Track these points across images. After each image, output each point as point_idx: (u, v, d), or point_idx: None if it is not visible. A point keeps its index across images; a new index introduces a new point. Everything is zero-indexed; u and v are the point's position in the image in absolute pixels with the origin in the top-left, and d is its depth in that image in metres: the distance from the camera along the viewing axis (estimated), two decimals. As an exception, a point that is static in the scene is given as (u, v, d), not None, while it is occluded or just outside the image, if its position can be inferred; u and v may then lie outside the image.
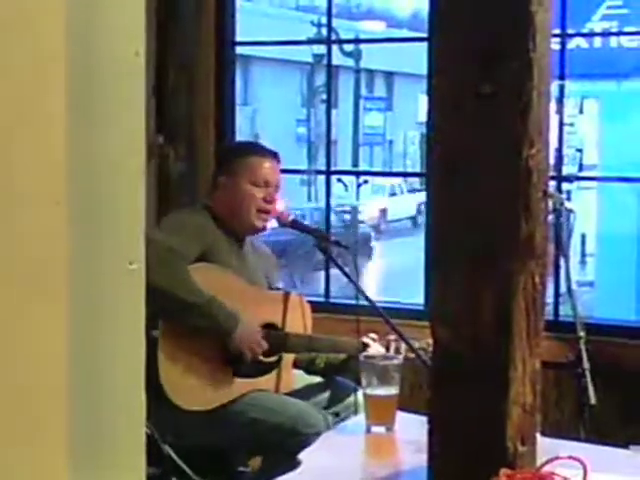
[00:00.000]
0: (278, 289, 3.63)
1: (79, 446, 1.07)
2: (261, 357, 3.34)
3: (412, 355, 3.26)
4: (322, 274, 4.59)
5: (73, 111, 1.00)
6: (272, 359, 3.38)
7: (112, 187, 1.08)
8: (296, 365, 3.51)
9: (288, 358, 3.45)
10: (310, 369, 3.56)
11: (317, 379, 3.57)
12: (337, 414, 3.35)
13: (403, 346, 3.35)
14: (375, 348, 3.41)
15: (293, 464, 2.33)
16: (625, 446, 2.86)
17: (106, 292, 1.09)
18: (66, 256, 1.02)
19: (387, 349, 3.40)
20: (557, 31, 4.18)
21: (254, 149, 3.62)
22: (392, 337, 3.40)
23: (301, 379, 3.54)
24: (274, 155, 3.54)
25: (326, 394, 3.51)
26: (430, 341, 3.36)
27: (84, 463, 1.08)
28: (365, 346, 3.39)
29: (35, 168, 1.00)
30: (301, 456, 2.37)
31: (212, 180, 3.55)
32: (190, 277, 3.15)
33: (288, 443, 3.06)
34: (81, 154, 1.03)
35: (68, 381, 1.04)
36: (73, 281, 1.03)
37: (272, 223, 3.59)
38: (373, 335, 3.45)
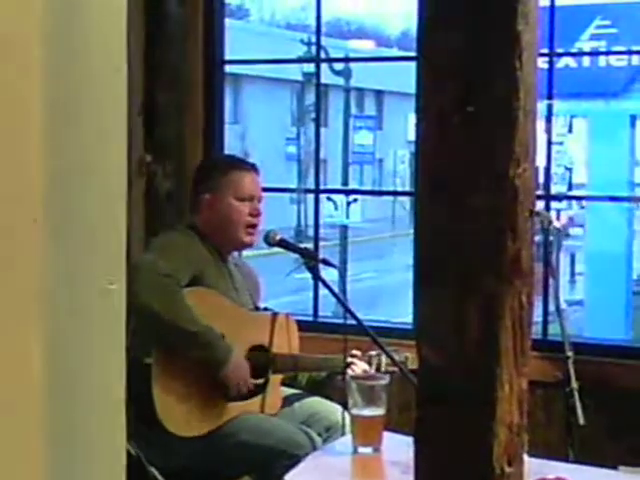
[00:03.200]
0: (266, 309, 3.63)
1: (58, 463, 1.05)
2: (250, 380, 3.33)
3: (392, 369, 3.27)
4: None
5: (51, 126, 0.99)
6: (261, 381, 3.37)
7: (92, 205, 1.07)
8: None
9: (275, 379, 3.44)
10: (293, 386, 3.57)
11: (294, 391, 3.58)
12: (318, 434, 3.34)
13: (384, 361, 3.35)
14: (359, 364, 3.40)
15: (279, 485, 2.32)
16: (614, 467, 2.85)
17: (85, 311, 1.07)
18: (43, 274, 1.00)
19: (369, 364, 3.40)
20: (545, 50, 4.18)
21: (234, 164, 3.61)
22: (373, 352, 3.41)
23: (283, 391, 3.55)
24: (253, 167, 3.56)
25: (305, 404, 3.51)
26: (410, 355, 3.39)
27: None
28: (349, 364, 3.38)
29: (11, 185, 0.98)
30: (287, 477, 2.36)
31: (193, 199, 3.52)
32: (187, 305, 3.14)
33: (277, 465, 3.05)
34: (59, 171, 1.02)
35: (45, 399, 1.02)
36: (51, 300, 1.02)
37: (260, 242, 3.59)
38: (356, 351, 3.44)
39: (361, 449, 2.56)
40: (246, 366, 3.28)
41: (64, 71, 1.01)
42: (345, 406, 2.89)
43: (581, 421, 2.86)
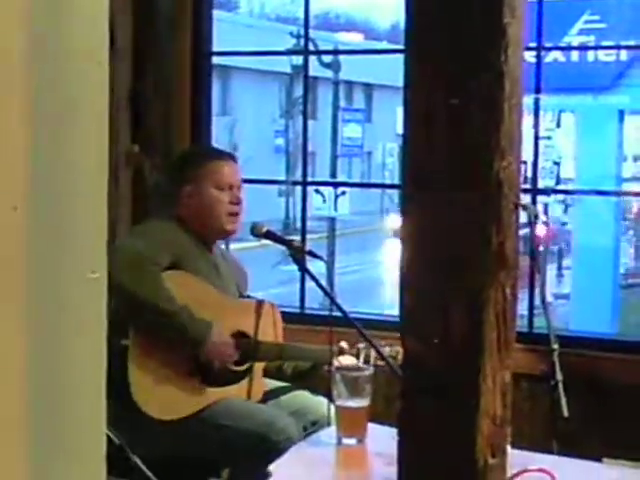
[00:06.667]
0: (249, 297, 3.63)
1: (38, 452, 1.05)
2: (232, 366, 3.33)
3: (382, 363, 3.26)
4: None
5: (32, 117, 0.99)
6: (243, 368, 3.38)
7: (74, 194, 1.07)
8: (264, 373, 3.51)
9: (258, 366, 3.44)
10: (278, 376, 3.57)
11: (281, 384, 3.58)
12: (305, 428, 3.34)
13: (372, 354, 3.35)
14: (346, 356, 3.40)
15: (263, 475, 2.32)
16: (598, 459, 2.86)
17: (67, 301, 1.07)
18: (24, 263, 1.00)
19: (357, 357, 3.41)
20: (534, 44, 4.19)
21: (212, 154, 3.65)
22: (362, 345, 3.41)
23: (269, 383, 3.54)
24: (231, 157, 3.59)
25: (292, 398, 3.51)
26: (399, 349, 3.38)
27: (43, 469, 1.06)
28: (336, 354, 3.38)
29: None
30: (271, 467, 2.36)
31: (174, 190, 3.53)
32: (162, 283, 3.15)
33: (258, 450, 3.05)
34: (42, 160, 1.02)
35: (27, 390, 1.02)
36: (32, 289, 1.02)
37: (246, 234, 3.60)
38: (343, 343, 3.45)
39: (345, 440, 2.56)
40: (228, 340, 3.28)
41: (45, 62, 1.01)
42: (330, 397, 2.90)
43: (565, 413, 2.87)
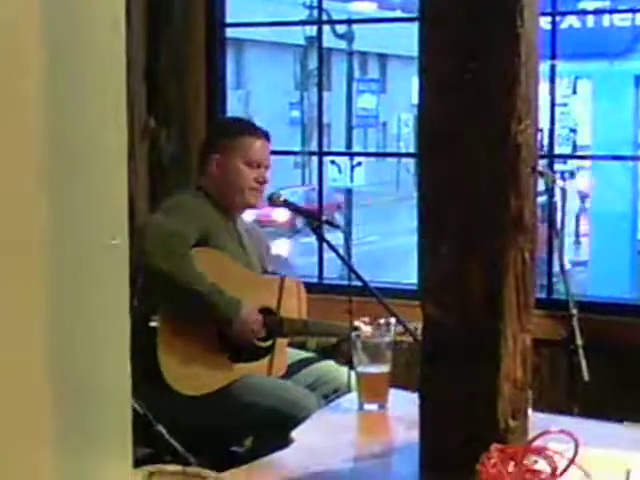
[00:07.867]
0: (274, 273, 3.63)
1: (63, 429, 1.06)
2: (256, 342, 3.35)
3: (403, 338, 3.26)
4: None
5: (51, 84, 0.99)
6: (267, 344, 3.39)
7: (94, 162, 1.08)
8: (288, 345, 3.52)
9: (282, 342, 3.45)
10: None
11: (308, 354, 3.58)
12: (326, 396, 3.36)
13: (393, 329, 3.35)
14: (365, 329, 3.40)
15: (286, 441, 2.33)
16: (620, 421, 2.86)
17: (88, 268, 1.08)
18: (46, 231, 1.01)
19: None
20: (548, 10, 4.16)
21: (247, 129, 3.61)
22: (382, 321, 3.40)
23: (296, 354, 3.56)
24: (265, 135, 3.56)
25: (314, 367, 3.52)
26: (419, 325, 3.37)
27: (68, 446, 1.07)
28: (357, 330, 3.38)
29: (13, 143, 0.99)
30: (293, 434, 2.38)
31: (202, 157, 3.53)
32: (192, 263, 3.16)
33: (281, 427, 3.06)
34: (61, 129, 1.02)
35: (49, 360, 1.03)
36: (54, 257, 1.02)
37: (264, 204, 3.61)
38: (365, 319, 3.45)
39: (367, 406, 2.57)
40: (256, 318, 3.29)
41: (61, 33, 1.01)
42: (351, 364, 2.90)
43: (586, 378, 2.87)
